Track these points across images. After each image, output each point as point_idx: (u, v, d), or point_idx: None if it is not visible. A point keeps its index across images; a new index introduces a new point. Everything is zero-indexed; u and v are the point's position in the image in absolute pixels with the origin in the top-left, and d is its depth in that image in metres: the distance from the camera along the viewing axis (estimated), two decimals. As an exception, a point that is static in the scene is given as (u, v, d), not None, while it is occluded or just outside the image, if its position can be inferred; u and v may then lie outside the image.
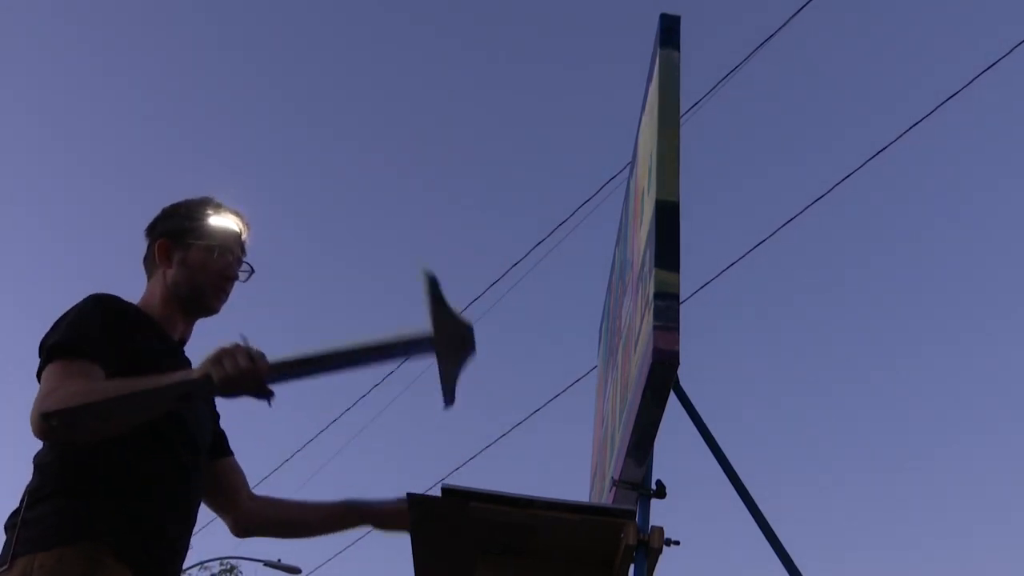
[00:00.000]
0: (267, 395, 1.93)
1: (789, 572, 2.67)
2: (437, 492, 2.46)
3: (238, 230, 2.36)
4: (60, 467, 2.01)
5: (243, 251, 2.37)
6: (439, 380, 2.07)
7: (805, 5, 5.82)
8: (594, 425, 4.23)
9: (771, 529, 2.75)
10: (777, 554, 2.70)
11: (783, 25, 6.03)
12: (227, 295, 2.33)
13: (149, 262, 2.32)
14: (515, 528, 2.52)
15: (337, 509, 2.48)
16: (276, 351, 2.07)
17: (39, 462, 2.05)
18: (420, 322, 2.06)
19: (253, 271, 2.38)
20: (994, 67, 5.44)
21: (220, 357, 1.89)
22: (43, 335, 2.09)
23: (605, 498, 3.01)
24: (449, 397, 2.08)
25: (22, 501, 2.01)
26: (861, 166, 6.03)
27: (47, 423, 1.86)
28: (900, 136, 5.90)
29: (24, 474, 2.08)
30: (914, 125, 5.82)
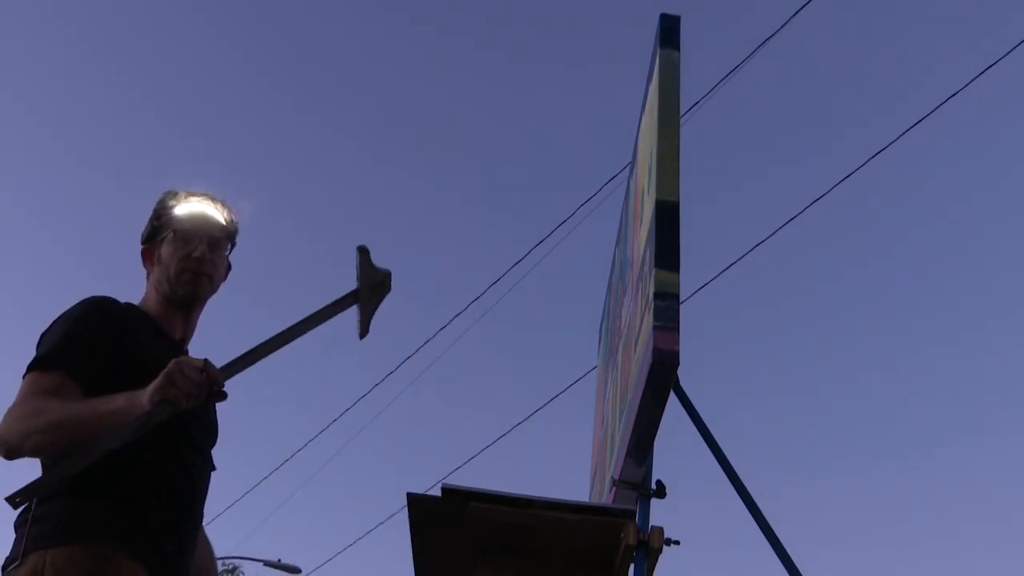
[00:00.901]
0: (221, 397, 2.02)
1: (789, 572, 2.67)
2: (437, 492, 2.46)
3: (206, 212, 2.32)
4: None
5: (221, 230, 2.32)
6: (357, 318, 2.24)
7: (805, 5, 5.82)
8: (594, 425, 4.23)
9: (771, 529, 2.75)
10: (777, 554, 2.70)
11: (783, 25, 6.03)
12: (206, 276, 2.27)
13: (145, 266, 2.34)
14: (515, 528, 2.51)
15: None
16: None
17: (46, 460, 2.04)
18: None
19: (234, 245, 2.37)
20: (994, 67, 5.43)
21: (172, 378, 1.90)
22: (40, 339, 2.10)
23: (605, 498, 3.01)
24: (364, 330, 2.25)
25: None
26: (861, 166, 6.02)
27: (4, 445, 1.93)
28: (900, 136, 5.89)
29: (28, 470, 2.07)
30: (914, 125, 5.81)
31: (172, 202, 2.31)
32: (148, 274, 2.32)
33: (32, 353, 2.08)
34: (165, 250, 2.27)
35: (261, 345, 2.09)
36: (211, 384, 1.96)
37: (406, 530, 2.59)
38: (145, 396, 1.92)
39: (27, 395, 1.98)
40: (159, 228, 2.30)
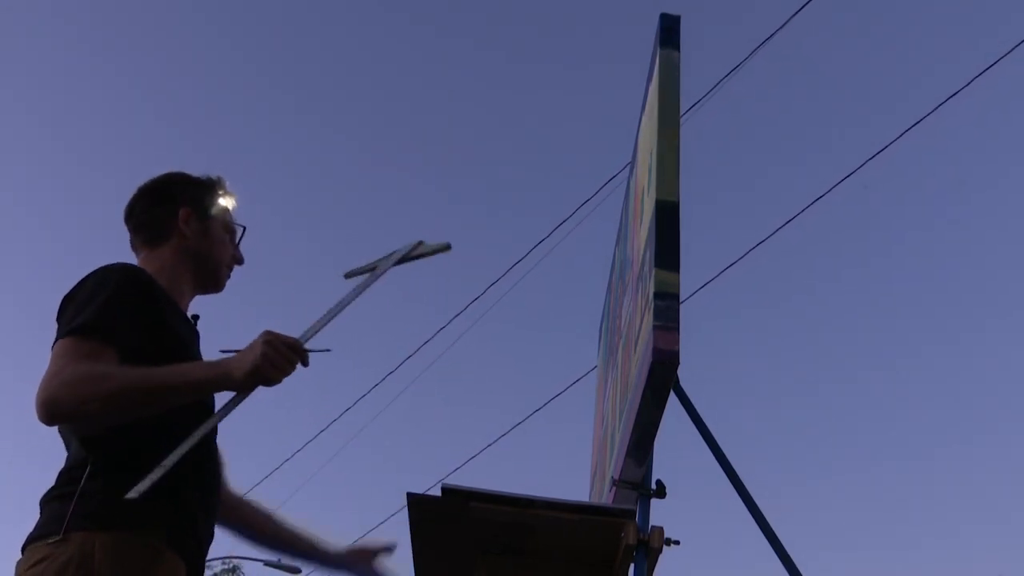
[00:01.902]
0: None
1: (789, 572, 2.67)
2: (437, 492, 2.46)
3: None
4: (116, 441, 1.88)
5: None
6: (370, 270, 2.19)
7: (805, 5, 5.82)
8: (594, 425, 4.23)
9: (771, 529, 2.75)
10: (777, 554, 2.70)
11: (783, 25, 6.03)
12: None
13: (156, 227, 2.18)
14: (515, 528, 2.52)
15: (299, 536, 2.38)
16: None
17: (88, 433, 1.91)
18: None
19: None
20: (994, 67, 5.44)
21: (269, 357, 1.80)
22: (62, 300, 1.98)
23: (605, 498, 3.01)
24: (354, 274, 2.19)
25: (69, 472, 1.89)
26: (861, 166, 6.04)
27: (52, 409, 1.76)
28: (900, 136, 5.90)
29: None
30: (914, 125, 5.83)
31: (222, 190, 2.26)
32: (166, 235, 2.17)
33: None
34: (218, 232, 2.20)
35: (329, 313, 2.01)
36: (297, 366, 1.85)
37: (406, 530, 2.59)
38: (238, 370, 1.81)
39: (72, 359, 1.82)
40: (212, 207, 2.21)
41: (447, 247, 2.25)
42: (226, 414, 1.87)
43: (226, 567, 19.59)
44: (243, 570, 20.11)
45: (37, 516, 1.89)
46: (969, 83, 5.51)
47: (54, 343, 1.88)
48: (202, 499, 1.99)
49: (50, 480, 1.95)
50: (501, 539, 2.58)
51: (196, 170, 2.30)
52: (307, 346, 1.89)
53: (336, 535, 2.47)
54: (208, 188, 2.24)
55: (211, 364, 1.87)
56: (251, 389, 1.84)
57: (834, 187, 6.09)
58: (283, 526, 2.37)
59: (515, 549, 2.61)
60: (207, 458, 2.04)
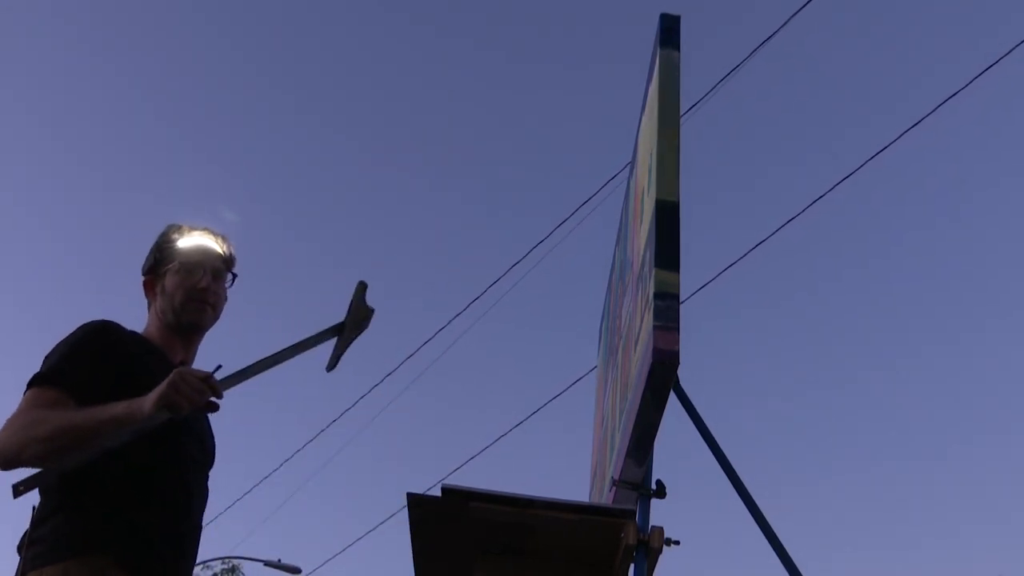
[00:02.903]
0: (213, 408, 2.09)
1: (789, 572, 2.67)
2: (437, 492, 2.46)
3: (208, 245, 2.42)
4: (60, 484, 2.05)
5: (222, 262, 2.43)
6: (333, 349, 2.38)
7: (805, 5, 5.82)
8: (594, 425, 4.23)
9: (771, 529, 2.75)
10: (777, 554, 2.70)
11: (783, 25, 6.03)
12: (210, 306, 2.38)
13: (149, 301, 2.41)
14: (515, 528, 2.52)
15: None
16: (274, 349, 2.26)
17: (45, 482, 2.06)
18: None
19: (235, 277, 2.45)
20: (994, 67, 5.43)
21: (175, 385, 1.98)
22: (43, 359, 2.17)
23: (605, 498, 3.01)
24: (333, 364, 2.39)
25: (30, 523, 2.05)
26: (861, 166, 6.03)
27: (6, 453, 1.98)
28: (900, 136, 5.89)
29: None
30: (914, 125, 5.82)
31: (175, 235, 2.41)
32: (150, 304, 2.40)
33: (34, 369, 2.15)
34: (170, 280, 2.36)
35: (253, 364, 2.20)
36: (212, 393, 2.04)
37: (406, 530, 2.59)
38: (147, 402, 1.99)
39: (25, 408, 2.03)
40: (162, 260, 2.38)
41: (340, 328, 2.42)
42: (130, 434, 2.01)
43: (226, 567, 19.59)
44: (243, 570, 20.10)
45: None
46: (969, 83, 5.51)
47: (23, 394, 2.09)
48: (162, 518, 2.10)
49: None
50: (501, 539, 2.58)
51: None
52: (218, 377, 2.08)
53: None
54: (157, 246, 2.41)
55: (129, 401, 2.03)
56: (161, 414, 2.00)
57: (834, 187, 6.09)
58: None
59: (515, 549, 2.61)
60: (177, 485, 2.16)
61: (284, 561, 15.89)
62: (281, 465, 14.00)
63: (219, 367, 2.09)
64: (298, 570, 15.69)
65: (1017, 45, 5.31)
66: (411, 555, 2.67)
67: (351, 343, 2.40)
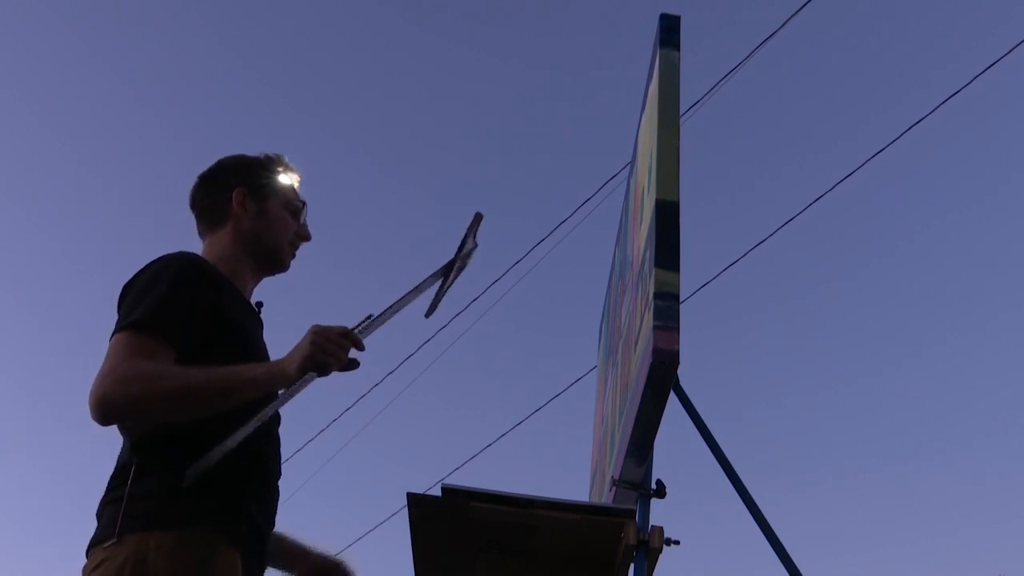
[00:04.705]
0: (355, 365, 1.91)
1: (789, 572, 2.67)
2: (437, 492, 2.46)
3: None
4: (164, 439, 1.85)
5: None
6: (435, 295, 2.16)
7: (805, 5, 5.82)
8: (594, 425, 4.23)
9: (771, 529, 2.75)
10: (777, 554, 2.70)
11: (783, 25, 6.03)
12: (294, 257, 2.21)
13: (213, 213, 2.16)
14: (515, 528, 2.52)
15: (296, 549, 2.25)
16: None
17: (138, 432, 1.88)
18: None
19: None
20: (994, 67, 5.44)
21: (321, 345, 1.81)
22: (122, 289, 1.94)
23: (605, 498, 3.02)
24: (434, 308, 2.17)
25: (121, 472, 1.87)
26: (861, 166, 6.02)
27: (105, 407, 1.75)
28: (900, 136, 5.89)
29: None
30: (914, 125, 5.81)
31: (280, 167, 2.22)
32: (222, 219, 2.15)
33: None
34: (276, 210, 2.16)
35: (382, 313, 2.02)
36: (355, 348, 1.88)
37: (406, 530, 2.59)
38: (289, 364, 1.82)
39: (128, 356, 1.79)
40: (267, 186, 2.17)
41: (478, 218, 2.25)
42: (284, 402, 1.89)
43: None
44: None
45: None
46: (969, 83, 5.51)
47: (112, 335, 1.86)
48: (258, 490, 1.96)
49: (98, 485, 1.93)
50: (501, 539, 2.58)
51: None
52: (357, 331, 1.91)
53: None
54: (263, 167, 2.20)
55: (265, 363, 1.89)
56: (310, 378, 1.85)
57: (834, 187, 6.09)
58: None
59: (515, 549, 2.62)
60: (264, 449, 2.00)
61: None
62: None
63: (369, 316, 1.93)
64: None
65: (1017, 45, 5.31)
66: (411, 555, 2.67)
67: (452, 285, 2.16)
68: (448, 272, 2.17)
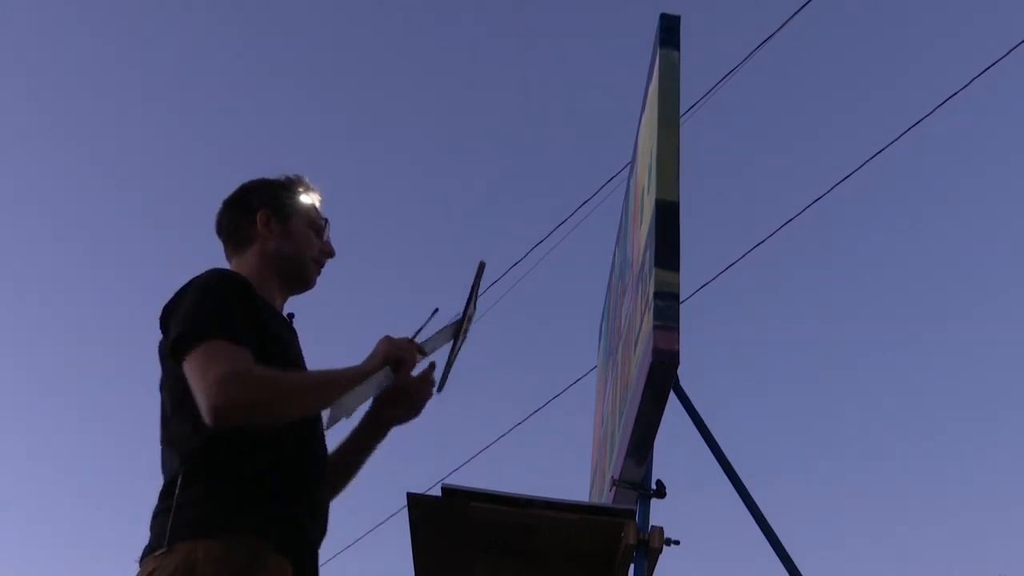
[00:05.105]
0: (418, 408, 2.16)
1: (789, 572, 2.67)
2: (437, 492, 2.46)
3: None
4: (212, 448, 1.88)
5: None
6: (446, 365, 2.21)
7: (805, 5, 5.82)
8: (594, 425, 4.23)
9: (771, 529, 2.75)
10: (777, 554, 2.70)
11: (783, 25, 6.02)
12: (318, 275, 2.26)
13: (239, 236, 2.21)
14: (515, 528, 2.52)
15: (354, 438, 2.29)
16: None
17: (186, 444, 1.91)
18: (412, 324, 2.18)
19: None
20: (994, 67, 5.43)
21: (396, 349, 2.02)
22: (164, 311, 1.99)
23: (605, 498, 3.01)
24: (444, 381, 2.21)
25: (171, 483, 1.90)
26: (861, 166, 6.02)
27: (227, 412, 1.79)
28: (900, 136, 5.89)
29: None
30: (914, 125, 5.81)
31: (301, 188, 2.27)
32: (248, 239, 2.19)
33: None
34: (299, 229, 2.20)
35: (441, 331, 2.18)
36: (420, 353, 2.09)
37: (406, 530, 2.59)
38: (369, 364, 2.01)
39: (233, 360, 1.84)
40: (290, 205, 2.22)
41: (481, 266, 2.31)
42: (374, 391, 2.04)
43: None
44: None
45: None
46: (969, 83, 5.51)
47: (182, 351, 1.89)
48: (307, 495, 1.98)
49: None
50: (501, 539, 2.58)
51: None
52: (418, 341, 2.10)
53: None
54: (285, 188, 2.25)
55: (346, 368, 2.01)
56: (391, 374, 2.04)
57: (834, 187, 6.08)
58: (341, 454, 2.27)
59: (515, 549, 2.62)
60: (312, 454, 2.03)
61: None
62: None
63: (436, 310, 2.13)
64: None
65: (1017, 45, 5.31)
66: (411, 555, 2.67)
67: (458, 353, 2.22)
68: (457, 334, 2.22)
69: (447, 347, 2.20)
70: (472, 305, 2.25)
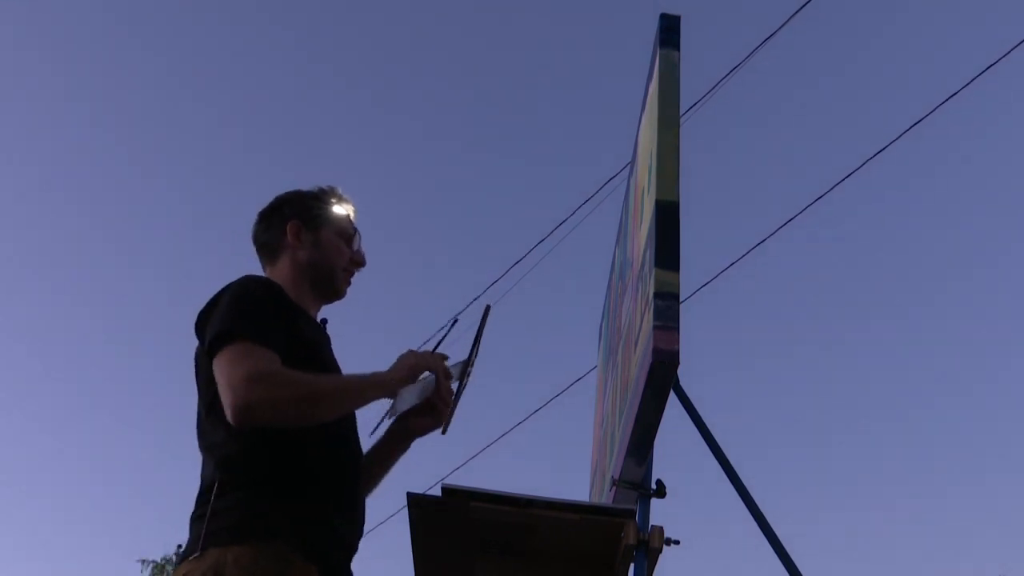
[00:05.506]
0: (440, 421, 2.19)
1: (789, 572, 2.67)
2: (437, 492, 2.46)
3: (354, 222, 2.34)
4: (248, 456, 1.93)
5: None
6: (453, 406, 2.20)
7: (805, 5, 5.82)
8: (594, 425, 4.23)
9: (771, 529, 2.75)
10: (777, 554, 2.70)
11: (783, 25, 6.03)
12: (349, 284, 2.29)
13: (272, 246, 2.25)
14: (515, 528, 2.52)
15: (386, 440, 2.31)
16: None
17: (221, 451, 1.95)
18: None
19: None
20: (994, 67, 5.43)
21: (429, 365, 2.10)
22: (200, 315, 2.02)
23: (605, 497, 3.02)
24: (449, 423, 2.21)
25: (207, 490, 1.94)
26: (861, 166, 6.03)
27: (251, 412, 1.82)
28: (900, 136, 5.89)
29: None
30: (914, 125, 5.82)
31: (333, 199, 2.30)
32: (280, 249, 2.23)
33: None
34: (329, 239, 2.23)
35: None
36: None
37: (406, 530, 2.59)
38: (394, 375, 2.06)
39: (254, 362, 1.87)
40: (320, 216, 2.25)
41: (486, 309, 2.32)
42: (419, 398, 2.13)
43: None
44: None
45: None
46: (969, 83, 5.51)
47: (212, 353, 1.92)
48: (340, 499, 2.01)
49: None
50: (501, 539, 2.58)
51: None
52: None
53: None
54: (316, 198, 2.29)
55: (372, 374, 2.05)
56: (414, 391, 2.13)
57: (834, 187, 6.09)
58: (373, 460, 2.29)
59: (515, 549, 2.62)
60: (346, 459, 2.06)
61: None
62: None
63: (455, 320, 2.22)
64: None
65: (1017, 45, 5.31)
66: (411, 555, 2.67)
67: (462, 394, 2.23)
68: (461, 376, 2.23)
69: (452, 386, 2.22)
70: (475, 351, 2.27)
